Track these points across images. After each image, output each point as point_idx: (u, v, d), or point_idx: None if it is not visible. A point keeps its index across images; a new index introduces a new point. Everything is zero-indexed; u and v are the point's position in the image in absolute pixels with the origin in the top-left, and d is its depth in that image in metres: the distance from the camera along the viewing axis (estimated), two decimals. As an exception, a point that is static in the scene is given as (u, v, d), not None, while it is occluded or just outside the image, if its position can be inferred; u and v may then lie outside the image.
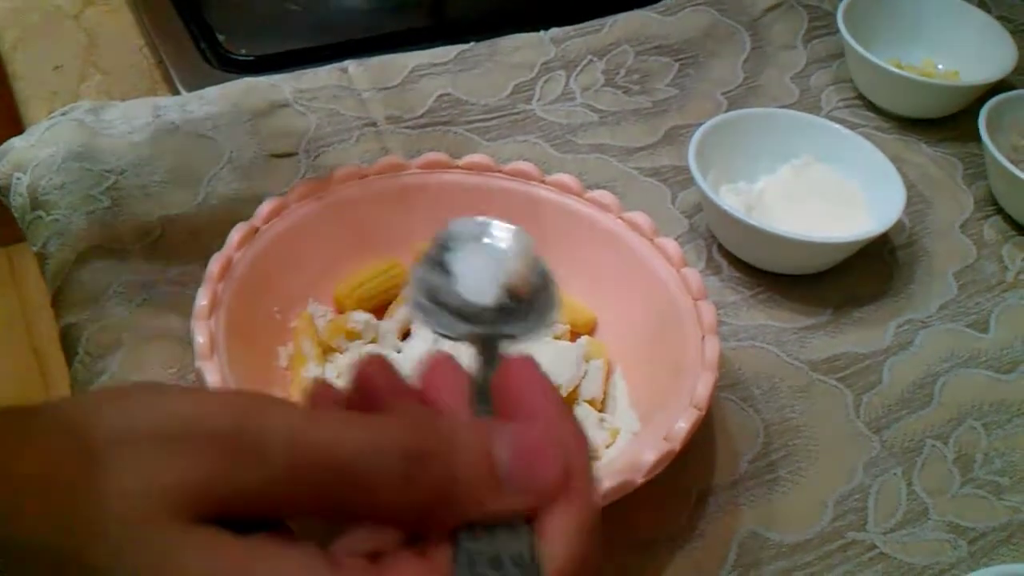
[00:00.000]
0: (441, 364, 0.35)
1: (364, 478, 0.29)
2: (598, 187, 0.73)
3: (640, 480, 0.56)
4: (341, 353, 0.66)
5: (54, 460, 0.28)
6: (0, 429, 0.30)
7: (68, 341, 0.69)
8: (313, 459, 0.29)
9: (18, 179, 0.77)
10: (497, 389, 0.34)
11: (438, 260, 0.43)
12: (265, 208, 0.67)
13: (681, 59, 0.95)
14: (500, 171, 0.71)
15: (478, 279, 0.43)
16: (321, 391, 0.34)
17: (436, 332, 0.42)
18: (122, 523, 0.28)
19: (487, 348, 0.40)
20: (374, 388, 0.33)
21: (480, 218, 0.44)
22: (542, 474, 0.31)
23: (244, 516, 0.29)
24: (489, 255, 0.44)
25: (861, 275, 0.78)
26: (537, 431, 0.32)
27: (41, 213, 0.75)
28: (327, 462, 0.29)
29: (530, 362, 0.34)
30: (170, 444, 0.28)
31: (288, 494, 0.29)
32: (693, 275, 0.65)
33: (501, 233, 0.44)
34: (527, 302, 0.43)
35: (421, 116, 0.86)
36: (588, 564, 0.31)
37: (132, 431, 0.29)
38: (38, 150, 0.78)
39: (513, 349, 0.39)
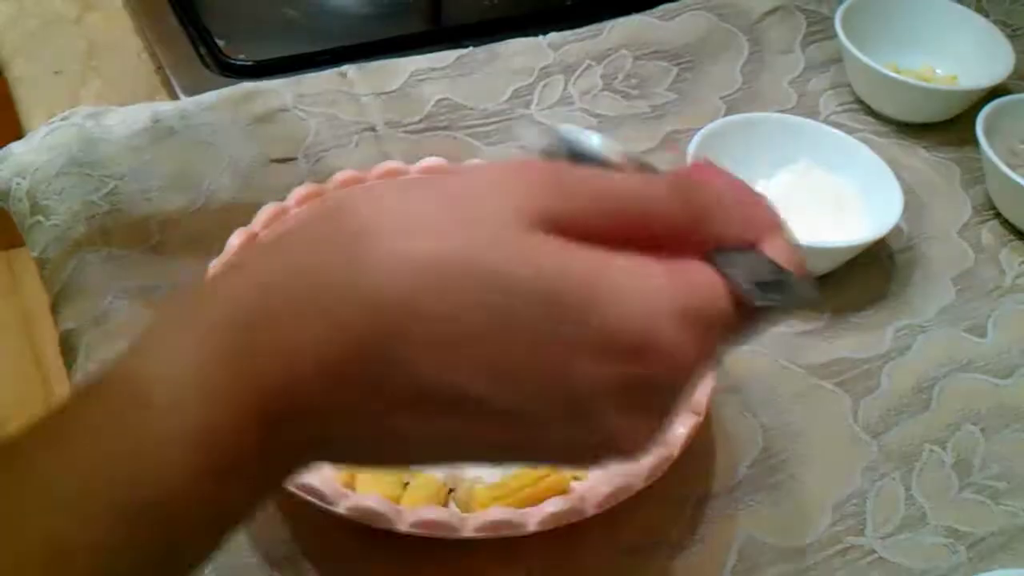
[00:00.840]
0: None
1: (646, 204, 0.36)
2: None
3: (639, 485, 0.56)
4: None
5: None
6: None
7: (68, 346, 0.69)
8: (612, 193, 0.36)
9: (18, 184, 0.77)
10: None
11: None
12: (264, 213, 0.67)
13: (679, 64, 0.95)
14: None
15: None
16: None
17: None
18: (502, 227, 0.33)
19: None
20: None
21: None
22: (763, 213, 0.39)
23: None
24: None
25: (859, 280, 0.78)
26: (752, 191, 0.40)
27: (41, 218, 0.75)
28: (622, 194, 0.36)
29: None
30: (514, 190, 0.35)
31: (595, 221, 0.35)
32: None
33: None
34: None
35: (420, 121, 0.86)
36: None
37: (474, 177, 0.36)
38: (38, 155, 0.78)
39: None
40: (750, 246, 0.37)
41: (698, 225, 0.37)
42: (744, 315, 0.36)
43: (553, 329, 0.33)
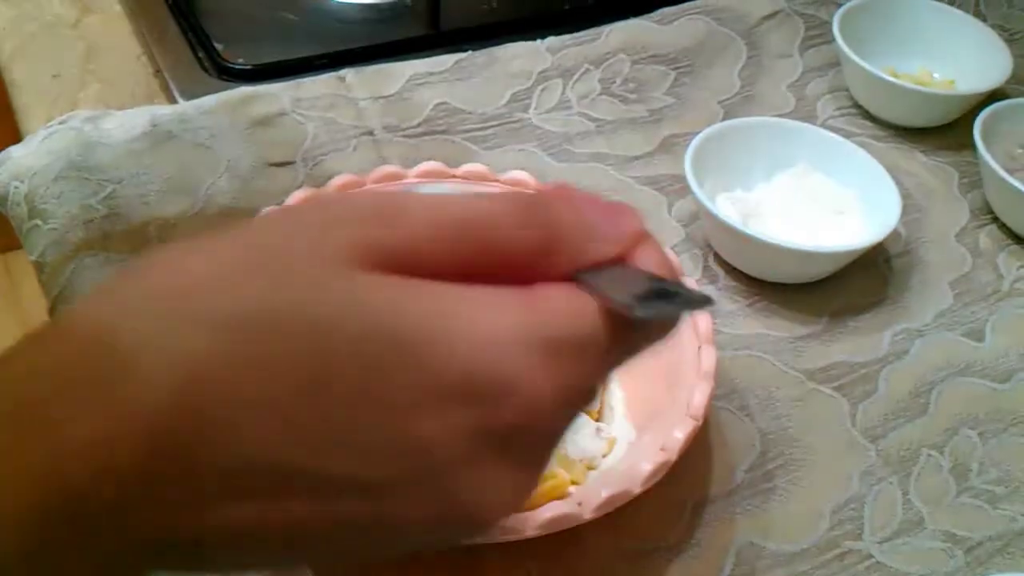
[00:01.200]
0: None
1: (490, 228, 0.33)
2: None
3: (637, 490, 0.56)
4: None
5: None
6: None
7: (65, 350, 0.69)
8: (448, 218, 0.32)
9: (16, 188, 0.77)
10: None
11: None
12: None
13: (677, 68, 0.95)
14: (497, 180, 0.71)
15: None
16: None
17: None
18: (318, 270, 0.30)
19: None
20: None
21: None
22: (628, 224, 0.35)
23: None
24: None
25: (857, 284, 0.78)
26: (613, 202, 0.36)
27: (38, 222, 0.75)
28: (460, 218, 0.32)
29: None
30: (331, 223, 0.31)
31: (429, 250, 0.32)
32: (689, 284, 0.65)
33: None
34: None
35: (418, 125, 0.86)
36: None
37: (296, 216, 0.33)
38: (36, 159, 0.78)
39: None
40: (620, 260, 0.35)
41: (557, 245, 0.34)
42: (625, 332, 0.33)
43: (385, 379, 0.29)
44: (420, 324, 0.30)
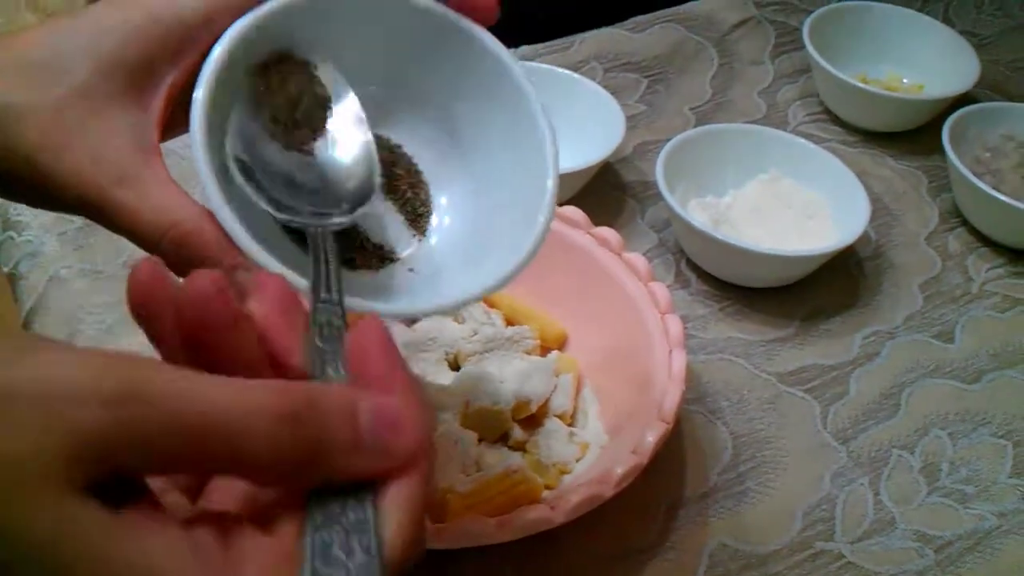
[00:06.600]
0: (281, 296, 0.36)
1: (237, 437, 0.30)
2: (567, 203, 0.73)
3: (609, 493, 0.56)
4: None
5: None
6: None
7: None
8: (193, 420, 0.29)
9: (-10, 200, 0.77)
10: (353, 348, 0.35)
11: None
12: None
13: (650, 76, 0.96)
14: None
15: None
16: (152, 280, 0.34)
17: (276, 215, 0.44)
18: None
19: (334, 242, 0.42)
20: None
21: None
22: (403, 441, 0.32)
23: (124, 475, 0.29)
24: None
25: (828, 288, 0.79)
26: (397, 401, 0.33)
27: (13, 234, 0.75)
28: (205, 423, 0.29)
29: (380, 324, 0.35)
30: (57, 413, 0.28)
31: (160, 455, 0.29)
32: (661, 289, 0.66)
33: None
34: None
35: (392, 134, 0.86)
36: (419, 532, 0.32)
37: (10, 391, 0.28)
38: (10, 171, 0.78)
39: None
40: (381, 480, 0.32)
41: (311, 466, 0.31)
42: None
43: None
44: (51, 558, 0.28)
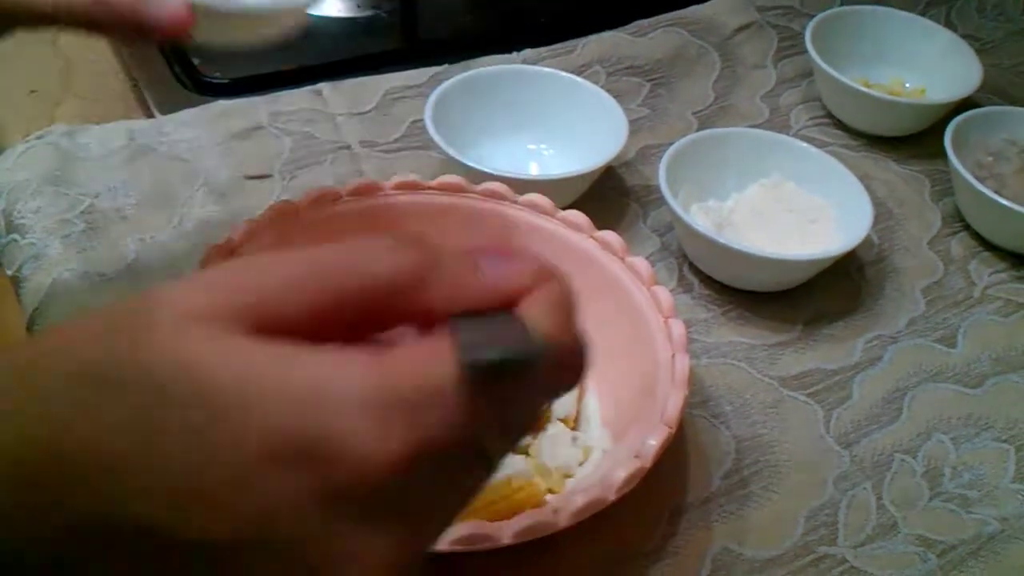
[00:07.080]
0: None
1: (348, 270, 0.31)
2: (570, 207, 0.73)
3: (612, 497, 0.56)
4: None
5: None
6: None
7: (43, 365, 0.69)
8: (303, 271, 0.31)
9: (-7, 203, 0.77)
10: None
11: None
12: (239, 229, 0.67)
13: (652, 80, 0.96)
14: (473, 191, 0.71)
15: None
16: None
17: None
18: (175, 320, 0.30)
19: None
20: None
21: None
22: (519, 265, 0.33)
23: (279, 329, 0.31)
24: None
25: (830, 292, 0.79)
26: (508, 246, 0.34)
27: (16, 237, 0.75)
28: (315, 270, 0.31)
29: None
30: (182, 296, 0.31)
31: (278, 309, 0.31)
32: (663, 293, 0.66)
33: None
34: None
35: (395, 140, 0.87)
36: (573, 336, 0.33)
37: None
38: (13, 174, 0.78)
39: None
40: (504, 306, 0.32)
41: (431, 273, 0.31)
42: (488, 383, 0.30)
43: (204, 441, 0.28)
44: (229, 386, 0.29)
